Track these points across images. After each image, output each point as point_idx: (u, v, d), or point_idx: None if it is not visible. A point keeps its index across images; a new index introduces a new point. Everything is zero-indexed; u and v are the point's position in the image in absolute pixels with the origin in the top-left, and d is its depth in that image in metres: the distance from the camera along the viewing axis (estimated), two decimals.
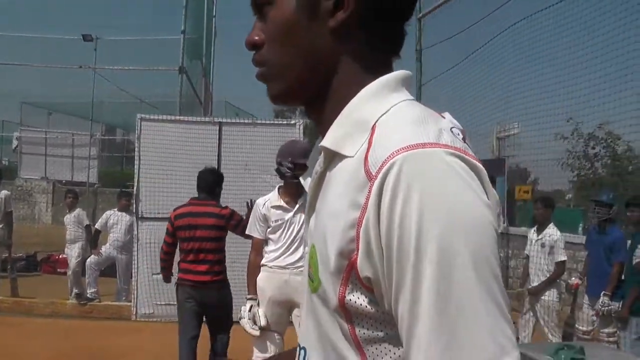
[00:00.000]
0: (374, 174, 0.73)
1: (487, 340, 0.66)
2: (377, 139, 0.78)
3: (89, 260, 8.18)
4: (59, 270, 10.34)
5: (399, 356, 0.76)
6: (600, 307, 5.47)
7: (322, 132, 0.87)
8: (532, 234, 6.42)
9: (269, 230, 3.97)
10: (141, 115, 7.79)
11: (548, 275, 6.05)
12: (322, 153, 0.86)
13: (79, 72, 19.11)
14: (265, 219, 3.97)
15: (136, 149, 7.71)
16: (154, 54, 17.18)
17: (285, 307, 3.88)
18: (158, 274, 7.58)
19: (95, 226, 8.56)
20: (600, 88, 6.28)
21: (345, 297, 0.76)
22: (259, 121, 8.32)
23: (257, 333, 3.81)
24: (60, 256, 10.42)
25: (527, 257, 6.41)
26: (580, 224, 11.10)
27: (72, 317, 7.66)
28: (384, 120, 0.80)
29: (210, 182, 4.68)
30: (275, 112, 24.81)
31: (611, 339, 5.57)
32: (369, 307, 0.75)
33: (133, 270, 7.75)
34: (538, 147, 8.74)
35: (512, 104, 7.74)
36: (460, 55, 8.21)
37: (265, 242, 4.01)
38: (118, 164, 27.76)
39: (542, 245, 6.16)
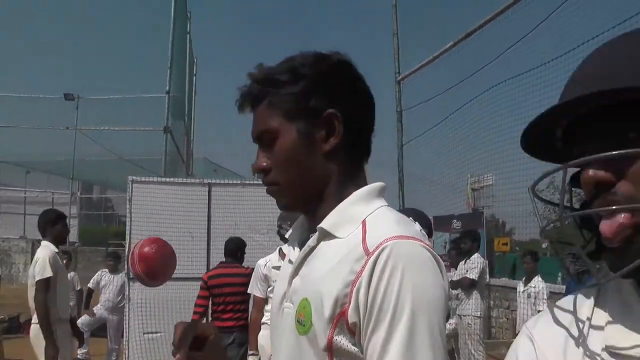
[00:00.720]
0: (371, 251, 0.99)
1: None
2: (370, 228, 1.05)
3: (80, 320, 8.19)
4: None
5: None
6: None
7: (311, 221, 1.15)
8: (519, 286, 6.79)
9: (269, 289, 4.16)
10: (132, 177, 7.92)
11: None
12: (318, 232, 1.10)
13: (59, 131, 19.27)
14: (266, 279, 4.17)
15: (127, 210, 7.81)
16: (134, 113, 17.47)
17: None
18: (149, 333, 7.66)
19: (88, 285, 8.61)
20: None
21: (333, 337, 1.01)
22: (247, 182, 8.53)
23: None
24: None
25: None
26: (560, 274, 11.46)
27: None
28: (372, 217, 1.08)
29: (235, 248, 5.42)
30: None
31: None
32: (349, 346, 1.00)
33: (124, 330, 7.75)
34: (513, 198, 9.02)
35: (487, 155, 8.06)
36: (438, 114, 8.58)
37: (266, 300, 4.19)
38: (97, 222, 27.63)
39: (528, 296, 6.53)
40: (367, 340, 0.97)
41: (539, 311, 6.25)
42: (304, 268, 1.11)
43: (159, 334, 7.69)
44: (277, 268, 4.12)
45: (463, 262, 7.17)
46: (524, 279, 6.82)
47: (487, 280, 10.44)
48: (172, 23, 12.72)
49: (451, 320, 7.57)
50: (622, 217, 0.74)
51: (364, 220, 1.07)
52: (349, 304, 0.99)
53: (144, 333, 7.56)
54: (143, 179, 8.27)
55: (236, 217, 7.60)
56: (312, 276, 1.08)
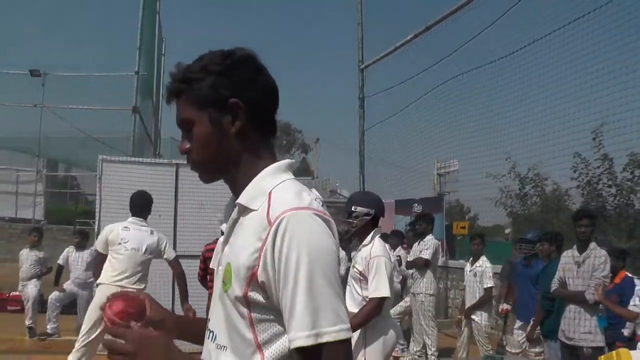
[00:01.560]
0: (272, 221, 1.26)
1: (333, 314, 1.23)
2: (273, 200, 1.31)
3: (51, 296, 8.39)
4: (9, 308, 10.32)
5: (277, 329, 1.29)
6: (528, 334, 6.21)
7: (236, 195, 1.41)
8: (467, 266, 7.19)
9: None
10: (103, 156, 8.11)
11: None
12: (237, 207, 1.38)
13: (25, 108, 19.10)
14: None
15: (97, 189, 7.99)
16: (103, 92, 17.38)
17: None
18: None
19: (58, 262, 8.77)
20: (532, 131, 6.92)
21: (248, 293, 1.29)
22: (181, 162, 8.67)
23: None
24: (11, 294, 10.45)
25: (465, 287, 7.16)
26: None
27: (32, 352, 7.77)
28: (276, 190, 1.34)
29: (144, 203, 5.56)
30: None
31: (538, 358, 6.28)
32: (261, 299, 1.28)
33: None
34: (476, 184, 9.35)
35: (452, 143, 8.41)
36: (401, 102, 8.88)
37: None
38: (62, 200, 27.39)
39: (475, 275, 6.94)
40: (280, 295, 1.25)
41: (484, 289, 6.73)
42: (231, 238, 1.39)
43: None
44: None
45: (417, 243, 7.53)
46: (471, 259, 7.21)
47: (445, 261, 10.94)
48: (142, 2, 12.74)
49: (406, 298, 7.98)
50: None
51: (270, 192, 1.33)
52: (258, 266, 1.27)
53: None
54: (113, 158, 8.46)
55: (202, 196, 7.84)
56: (234, 244, 1.36)
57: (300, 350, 1.22)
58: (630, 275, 5.72)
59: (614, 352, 3.98)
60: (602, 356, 4.30)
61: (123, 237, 5.26)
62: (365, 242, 4.01)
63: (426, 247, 7.28)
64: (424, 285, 7.28)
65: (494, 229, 16.45)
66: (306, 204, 1.30)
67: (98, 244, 5.38)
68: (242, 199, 1.36)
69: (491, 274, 6.88)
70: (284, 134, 43.17)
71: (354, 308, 3.91)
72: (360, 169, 8.47)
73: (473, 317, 6.87)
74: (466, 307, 7.00)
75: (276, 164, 1.41)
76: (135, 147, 12.99)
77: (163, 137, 21.05)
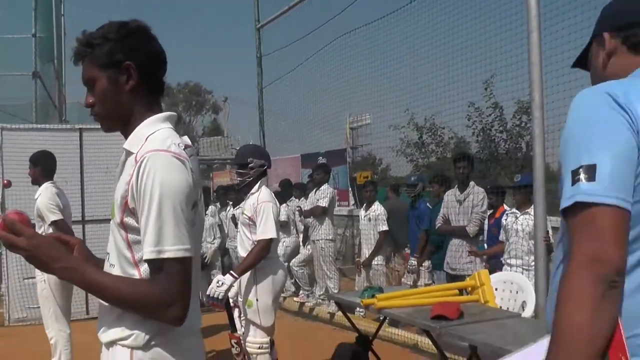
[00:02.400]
0: (138, 160, 1.60)
1: (174, 236, 1.56)
2: (145, 145, 1.64)
3: None
4: None
5: None
6: (409, 266, 6.86)
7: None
8: (361, 211, 7.73)
9: None
10: (3, 125, 8.05)
11: (374, 244, 7.39)
12: (124, 152, 1.72)
13: None
14: None
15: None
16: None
17: None
18: (29, 278, 7.96)
19: None
20: (431, 82, 7.21)
21: (124, 218, 1.65)
22: (84, 126, 8.67)
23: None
24: None
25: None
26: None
27: None
28: (150, 137, 1.68)
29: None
30: None
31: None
32: (134, 222, 1.64)
33: (3, 276, 7.99)
34: (385, 137, 9.74)
35: (363, 97, 8.66)
36: (301, 59, 9.14)
37: None
38: None
39: (369, 220, 7.49)
40: (139, 220, 1.61)
41: (379, 232, 7.33)
42: (119, 178, 1.73)
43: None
44: None
45: (314, 192, 7.94)
46: (364, 205, 7.71)
47: (352, 210, 11.48)
48: None
49: (308, 247, 8.48)
50: None
51: (146, 138, 1.68)
52: (128, 196, 1.63)
53: (24, 278, 7.87)
54: (14, 126, 8.39)
55: (107, 160, 7.94)
56: (119, 181, 1.71)
57: (149, 262, 1.59)
58: (508, 208, 6.08)
59: (476, 273, 4.65)
60: (469, 277, 4.95)
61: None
62: (253, 191, 4.34)
63: (323, 195, 7.68)
64: (323, 232, 7.74)
65: (406, 179, 17.06)
66: (165, 147, 1.63)
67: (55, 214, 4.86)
68: (126, 144, 1.73)
69: (385, 219, 7.37)
70: (194, 95, 42.55)
71: (243, 253, 4.31)
72: (260, 126, 8.84)
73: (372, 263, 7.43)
74: (362, 252, 7.55)
75: (156, 115, 1.75)
76: (38, 114, 12.71)
77: (69, 102, 20.44)
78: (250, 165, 4.33)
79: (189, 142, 1.78)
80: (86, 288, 1.66)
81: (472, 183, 6.02)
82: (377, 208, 7.49)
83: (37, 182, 5.02)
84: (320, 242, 7.78)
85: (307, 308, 8.42)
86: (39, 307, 7.57)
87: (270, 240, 4.21)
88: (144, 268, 1.65)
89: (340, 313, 6.97)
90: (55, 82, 16.16)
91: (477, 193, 5.96)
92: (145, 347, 1.64)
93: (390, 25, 7.99)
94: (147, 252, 1.57)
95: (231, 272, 4.19)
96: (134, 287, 1.61)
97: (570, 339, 1.19)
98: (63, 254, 1.63)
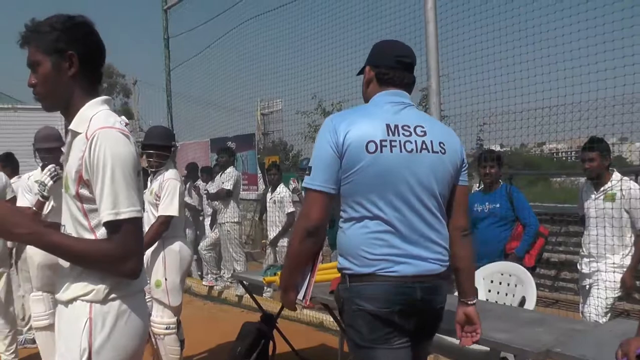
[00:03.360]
0: (89, 137, 1.81)
1: (127, 199, 1.80)
2: (91, 124, 1.85)
3: None
4: None
5: None
6: None
7: (69, 122, 1.92)
8: (268, 195, 7.80)
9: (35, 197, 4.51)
10: None
11: (281, 226, 7.48)
12: (70, 132, 1.90)
13: None
14: (30, 189, 4.54)
15: None
16: None
17: (52, 269, 4.48)
18: None
19: None
20: (342, 70, 7.31)
21: (78, 190, 1.85)
22: (19, 106, 8.50)
23: None
24: None
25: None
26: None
27: None
28: (94, 117, 1.89)
29: None
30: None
31: None
32: (88, 193, 1.84)
33: None
34: (294, 122, 9.76)
35: (274, 83, 8.63)
36: (210, 41, 8.99)
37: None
38: None
39: (274, 202, 7.58)
40: (95, 189, 1.80)
41: (286, 214, 7.40)
42: (68, 156, 1.91)
43: None
44: (37, 181, 4.37)
45: (219, 175, 7.92)
46: (270, 188, 7.79)
47: (261, 194, 11.50)
48: None
49: (216, 230, 8.45)
50: None
51: (91, 118, 1.87)
52: (82, 170, 1.82)
53: None
54: None
55: (11, 141, 7.58)
56: (69, 158, 1.90)
57: (107, 224, 1.80)
58: None
59: None
60: None
61: None
62: (161, 170, 4.40)
63: (228, 178, 7.68)
64: (229, 214, 7.75)
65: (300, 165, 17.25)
66: (111, 124, 1.86)
67: None
68: (72, 125, 1.91)
69: (290, 200, 7.47)
70: (105, 77, 40.99)
71: None
72: (168, 109, 8.68)
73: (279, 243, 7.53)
74: (269, 235, 7.62)
75: (96, 99, 1.95)
76: None
77: None
78: (172, 148, 4.45)
79: (126, 120, 1.98)
80: (51, 249, 1.82)
81: None
82: (282, 190, 7.59)
83: None
84: (227, 225, 7.79)
85: (215, 292, 8.41)
86: None
87: (171, 217, 4.21)
88: (100, 232, 1.86)
89: (248, 295, 7.04)
90: None
91: None
92: (104, 300, 1.86)
93: (301, 9, 8.02)
94: (105, 214, 1.79)
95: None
96: (95, 245, 1.84)
97: (288, 253, 2.43)
98: (25, 220, 1.80)
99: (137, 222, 1.83)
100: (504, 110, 4.75)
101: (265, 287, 7.51)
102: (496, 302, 4.09)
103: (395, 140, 2.23)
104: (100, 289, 1.85)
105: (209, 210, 8.98)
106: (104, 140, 1.79)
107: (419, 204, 2.25)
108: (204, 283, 8.67)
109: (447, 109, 5.05)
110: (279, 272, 4.36)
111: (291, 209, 7.48)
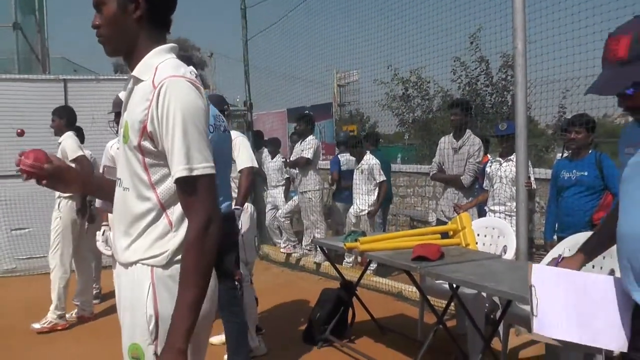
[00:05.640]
0: (156, 85, 1.68)
1: (201, 154, 1.68)
2: (158, 72, 1.72)
3: None
4: None
5: (165, 171, 1.74)
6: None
7: (131, 69, 1.82)
8: (354, 164, 7.79)
9: None
10: None
11: (375, 195, 7.48)
12: (132, 79, 1.81)
13: None
14: (113, 159, 4.82)
15: None
16: None
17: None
18: (17, 229, 8.03)
19: None
20: (416, 38, 7.18)
21: (141, 142, 1.72)
22: (101, 77, 8.77)
23: (110, 252, 4.68)
24: None
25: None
26: (399, 156, 12.97)
27: None
28: (160, 65, 1.75)
29: None
30: (115, 67, 24.54)
31: None
32: (151, 147, 1.72)
33: None
34: (370, 92, 9.70)
35: (350, 53, 8.57)
36: (286, 11, 8.98)
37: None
38: None
39: (362, 172, 7.52)
40: (163, 142, 1.69)
41: (378, 184, 7.33)
42: (128, 103, 1.81)
43: (26, 230, 8.15)
44: None
45: (299, 143, 7.91)
46: (355, 158, 7.80)
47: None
48: None
49: (295, 198, 8.55)
50: None
51: (156, 67, 1.75)
52: (147, 120, 1.70)
53: (11, 230, 8.02)
54: None
55: (93, 111, 7.89)
56: (130, 107, 1.78)
57: (179, 180, 1.68)
58: (491, 157, 6.10)
59: (457, 216, 4.75)
60: (451, 220, 5.04)
61: None
62: None
63: (308, 146, 7.66)
64: (310, 183, 7.75)
65: (395, 136, 17.08)
66: (181, 74, 1.72)
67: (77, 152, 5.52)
68: (136, 72, 1.80)
69: (379, 169, 7.42)
70: (181, 51, 41.88)
71: None
72: (246, 79, 8.72)
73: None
74: (359, 207, 7.55)
75: (161, 46, 1.82)
76: (20, 67, 12.49)
77: (52, 56, 20.09)
78: (226, 113, 4.53)
79: (196, 72, 1.88)
80: (194, 312, 1.68)
81: (468, 131, 5.89)
82: (369, 160, 7.53)
83: (60, 132, 5.71)
84: (308, 193, 7.80)
85: (293, 259, 8.52)
86: (28, 257, 7.81)
87: (253, 168, 4.62)
88: (161, 189, 1.76)
89: (327, 263, 7.12)
90: (37, 35, 15.85)
91: (473, 143, 5.85)
92: (167, 265, 1.75)
93: None
94: (179, 170, 1.67)
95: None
96: (188, 245, 1.69)
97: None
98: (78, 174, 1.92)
99: (211, 179, 1.71)
100: (588, 79, 4.56)
101: (345, 256, 7.60)
102: None
103: None
104: (164, 253, 1.75)
105: (281, 181, 9.13)
106: (175, 90, 1.67)
107: None
108: (281, 250, 8.79)
109: (530, 72, 4.86)
110: (360, 238, 4.38)
111: (382, 178, 7.44)
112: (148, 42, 1.81)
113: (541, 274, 1.93)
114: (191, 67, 1.85)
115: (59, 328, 5.48)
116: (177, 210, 1.76)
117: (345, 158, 8.42)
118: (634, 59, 1.73)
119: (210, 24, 77.14)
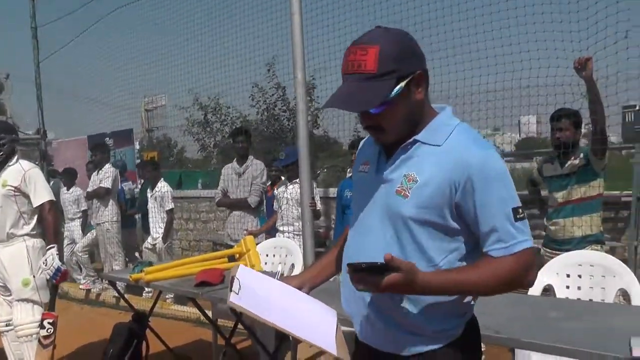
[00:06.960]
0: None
1: None
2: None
3: None
4: None
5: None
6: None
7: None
8: (148, 192, 7.57)
9: None
10: None
11: (163, 224, 7.32)
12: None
13: None
14: None
15: None
16: None
17: None
18: None
19: None
20: (215, 67, 7.21)
21: None
22: None
23: None
24: None
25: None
26: (199, 181, 13.04)
27: None
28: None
29: None
30: None
31: None
32: None
33: None
34: (172, 117, 9.59)
35: (158, 77, 8.42)
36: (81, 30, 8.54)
37: None
38: None
39: (155, 199, 7.36)
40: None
41: (166, 211, 7.26)
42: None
43: None
44: None
45: (96, 173, 7.64)
46: (150, 186, 7.58)
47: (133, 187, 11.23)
48: None
49: (93, 230, 8.12)
50: None
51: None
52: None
53: None
54: None
55: None
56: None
57: None
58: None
59: (242, 239, 4.83)
60: (237, 244, 5.12)
61: None
62: (11, 163, 4.35)
63: (106, 175, 7.45)
64: (108, 213, 7.51)
65: (203, 162, 17.03)
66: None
67: None
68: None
69: (170, 197, 7.31)
70: None
71: (17, 229, 4.31)
72: (39, 103, 8.11)
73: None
74: (154, 234, 7.39)
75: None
76: None
77: None
78: (2, 142, 4.30)
79: None
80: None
81: (250, 157, 6.17)
82: (162, 187, 7.39)
83: None
84: (106, 224, 7.54)
85: (93, 294, 8.14)
86: None
87: (52, 201, 4.38)
88: None
89: (127, 296, 6.84)
90: None
91: (257, 166, 6.11)
92: None
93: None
94: None
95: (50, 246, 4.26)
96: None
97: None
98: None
99: None
100: None
101: (145, 287, 7.36)
102: None
103: None
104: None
105: (77, 213, 8.75)
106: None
107: None
108: (80, 287, 8.34)
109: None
110: (145, 268, 4.31)
111: (171, 206, 7.34)
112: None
113: (245, 271, 1.86)
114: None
115: None
116: None
117: (129, 187, 8.44)
118: (384, 74, 1.56)
119: (4, 42, 71.30)
